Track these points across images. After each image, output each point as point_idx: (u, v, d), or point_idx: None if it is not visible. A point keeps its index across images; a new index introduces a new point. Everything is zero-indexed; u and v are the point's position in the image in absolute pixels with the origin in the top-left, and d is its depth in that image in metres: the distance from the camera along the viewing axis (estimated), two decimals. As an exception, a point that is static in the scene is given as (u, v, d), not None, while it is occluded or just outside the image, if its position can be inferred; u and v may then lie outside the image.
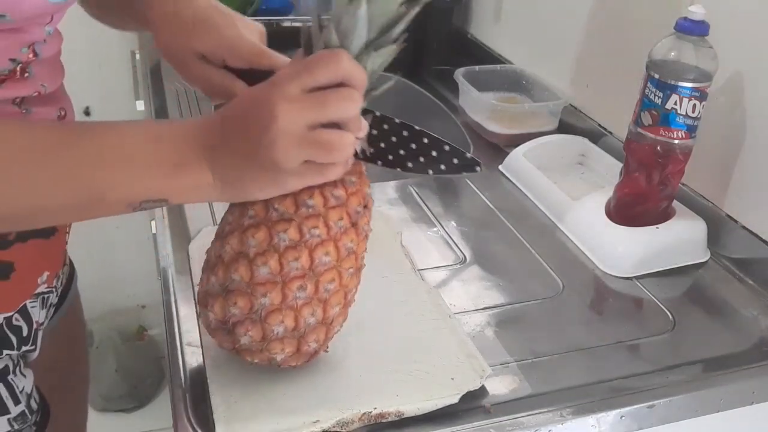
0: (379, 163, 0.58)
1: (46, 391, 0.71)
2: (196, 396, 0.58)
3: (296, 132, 0.46)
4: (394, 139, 0.58)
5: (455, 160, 0.60)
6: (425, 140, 0.58)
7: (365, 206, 0.54)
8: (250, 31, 0.62)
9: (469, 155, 0.60)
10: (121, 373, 1.78)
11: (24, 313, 0.64)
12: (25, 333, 0.64)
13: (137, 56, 1.46)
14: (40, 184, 0.47)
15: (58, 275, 0.70)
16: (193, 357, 0.62)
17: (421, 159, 0.59)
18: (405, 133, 0.58)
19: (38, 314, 0.66)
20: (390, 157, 0.58)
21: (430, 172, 0.59)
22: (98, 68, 1.73)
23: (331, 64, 0.46)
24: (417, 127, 0.58)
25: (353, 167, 0.54)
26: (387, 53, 0.50)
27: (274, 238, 0.51)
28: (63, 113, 0.65)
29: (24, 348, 0.65)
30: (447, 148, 0.59)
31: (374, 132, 0.57)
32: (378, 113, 0.57)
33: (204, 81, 0.63)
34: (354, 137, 0.48)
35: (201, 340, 0.63)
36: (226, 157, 0.48)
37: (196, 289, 0.57)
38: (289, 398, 0.57)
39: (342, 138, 0.47)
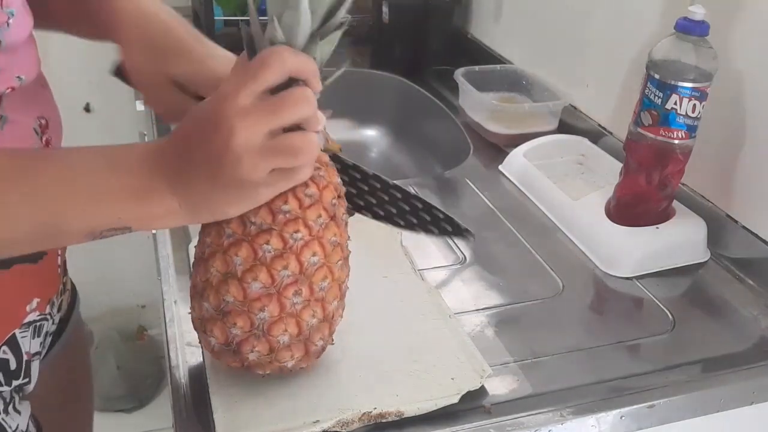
0: (369, 215, 0.62)
1: (47, 422, 0.68)
2: (196, 396, 0.59)
3: (258, 144, 0.44)
4: (385, 197, 0.61)
5: (448, 227, 0.65)
6: (419, 204, 0.62)
7: (339, 196, 0.54)
8: (228, 62, 0.60)
9: (463, 225, 0.66)
10: (121, 373, 1.78)
11: (12, 344, 0.60)
12: (13, 366, 0.60)
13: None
14: None
15: (52, 301, 0.66)
16: (193, 357, 0.62)
17: (414, 220, 0.62)
18: (398, 195, 0.62)
19: (29, 344, 0.62)
20: (381, 213, 0.61)
21: (422, 233, 0.64)
22: (98, 68, 1.73)
23: (275, 63, 0.45)
24: (412, 191, 0.60)
25: (318, 159, 0.53)
26: (333, 39, 0.49)
27: (258, 252, 0.50)
28: (44, 122, 0.61)
29: (15, 382, 0.61)
30: (441, 215, 0.62)
31: (365, 187, 0.60)
32: (372, 172, 0.60)
33: (172, 107, 0.61)
34: (316, 135, 0.47)
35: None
36: (189, 181, 0.46)
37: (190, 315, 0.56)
38: (289, 398, 0.57)
39: (305, 139, 0.46)
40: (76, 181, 0.46)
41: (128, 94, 1.66)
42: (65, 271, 0.74)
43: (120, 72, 0.64)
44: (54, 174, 0.47)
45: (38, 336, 0.63)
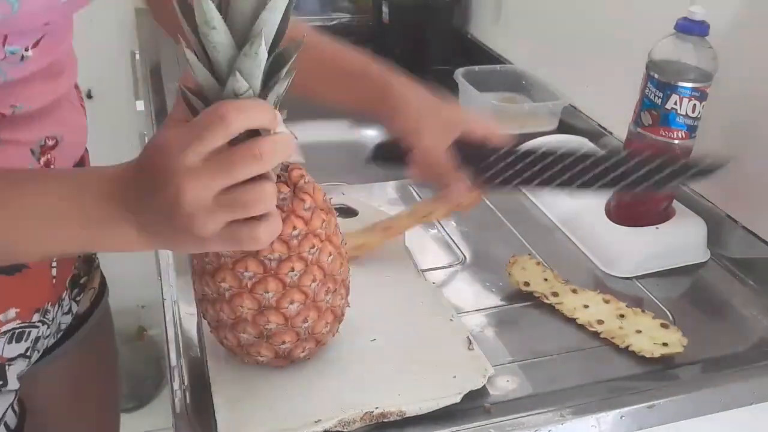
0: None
1: (65, 415, 0.73)
2: (196, 396, 0.59)
3: (207, 203, 0.42)
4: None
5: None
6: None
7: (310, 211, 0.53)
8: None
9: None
10: (122, 373, 1.78)
11: None
12: None
13: (137, 56, 1.45)
14: None
15: (45, 309, 0.66)
16: (193, 357, 0.62)
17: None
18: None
19: (2, 350, 0.62)
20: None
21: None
22: (98, 68, 1.73)
23: (219, 126, 0.41)
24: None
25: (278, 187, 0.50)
26: (290, 76, 0.46)
27: (239, 278, 0.53)
28: (51, 142, 0.61)
29: None
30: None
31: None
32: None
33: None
34: (274, 184, 0.44)
35: (201, 339, 0.63)
36: (146, 216, 0.45)
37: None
38: (290, 398, 0.57)
39: (260, 190, 0.43)
40: (38, 205, 0.46)
41: (128, 97, 1.66)
42: (80, 275, 0.75)
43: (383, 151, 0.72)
44: (13, 195, 0.46)
45: (18, 341, 0.64)
